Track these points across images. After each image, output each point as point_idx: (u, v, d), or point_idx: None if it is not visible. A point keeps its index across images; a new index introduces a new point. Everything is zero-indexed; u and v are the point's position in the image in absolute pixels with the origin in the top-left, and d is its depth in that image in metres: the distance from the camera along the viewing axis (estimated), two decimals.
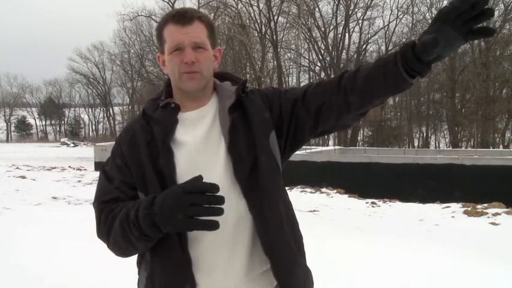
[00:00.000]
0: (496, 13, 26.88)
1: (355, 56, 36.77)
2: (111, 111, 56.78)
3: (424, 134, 36.84)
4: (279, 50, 35.79)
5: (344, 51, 36.76)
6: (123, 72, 49.78)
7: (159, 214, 1.09)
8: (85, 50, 63.32)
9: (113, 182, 1.26)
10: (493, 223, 8.17)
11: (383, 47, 36.04)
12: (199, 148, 1.24)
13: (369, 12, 35.51)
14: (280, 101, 1.31)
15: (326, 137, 29.98)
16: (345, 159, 19.69)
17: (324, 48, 37.25)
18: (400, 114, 37.84)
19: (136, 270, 1.34)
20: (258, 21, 35.38)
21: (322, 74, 36.61)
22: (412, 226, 8.13)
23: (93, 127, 62.19)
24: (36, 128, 62.79)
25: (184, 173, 1.19)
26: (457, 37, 0.98)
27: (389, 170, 17.81)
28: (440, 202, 11.11)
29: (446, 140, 36.09)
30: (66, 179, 15.09)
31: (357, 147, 29.44)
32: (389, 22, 36.18)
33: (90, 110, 60.43)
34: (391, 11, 36.83)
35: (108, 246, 1.26)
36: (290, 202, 1.34)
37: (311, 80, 35.21)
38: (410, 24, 34.42)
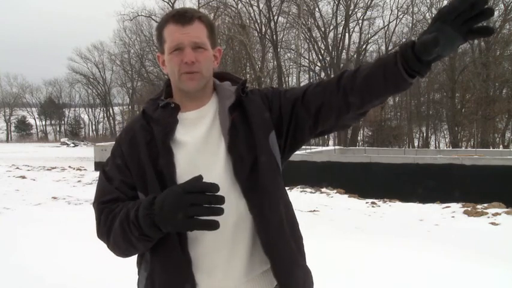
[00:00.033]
0: (496, 13, 26.93)
1: (355, 56, 36.77)
2: (111, 111, 56.79)
3: (424, 134, 36.84)
4: (279, 50, 35.80)
5: (344, 51, 36.80)
6: (123, 72, 49.85)
7: (159, 214, 1.09)
8: (85, 50, 63.45)
9: (112, 182, 1.26)
10: (493, 223, 8.17)
11: (383, 47, 36.07)
12: (199, 148, 1.24)
13: (369, 12, 35.58)
14: (280, 101, 1.31)
15: (326, 137, 29.98)
16: (345, 159, 19.69)
17: (324, 48, 37.27)
18: (400, 114, 37.85)
19: (136, 270, 1.34)
20: (258, 21, 35.40)
21: (322, 74, 36.61)
22: (412, 226, 8.13)
23: (93, 127, 62.24)
24: (36, 128, 62.80)
25: (184, 173, 1.19)
26: (457, 37, 0.98)
27: (389, 170, 17.81)
28: (440, 202, 11.11)
29: (446, 140, 36.09)
30: (66, 179, 15.09)
31: (357, 147, 29.44)
32: (390, 22, 36.25)
33: (90, 110, 60.46)
34: (391, 11, 36.91)
35: (108, 247, 1.25)
36: (290, 202, 1.34)
37: (311, 80, 35.21)
38: (410, 24, 34.47)
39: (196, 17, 1.25)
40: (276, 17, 34.70)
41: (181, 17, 1.24)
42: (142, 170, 1.23)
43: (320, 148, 25.26)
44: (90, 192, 8.66)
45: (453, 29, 0.98)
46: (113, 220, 1.20)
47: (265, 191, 1.23)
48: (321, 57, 37.66)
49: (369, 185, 16.12)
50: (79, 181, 14.57)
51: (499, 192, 12.33)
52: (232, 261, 1.22)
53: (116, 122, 56.64)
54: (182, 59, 1.22)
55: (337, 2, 35.25)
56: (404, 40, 31.68)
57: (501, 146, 30.26)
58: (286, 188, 1.41)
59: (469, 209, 9.51)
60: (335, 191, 13.41)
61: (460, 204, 10.19)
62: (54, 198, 9.83)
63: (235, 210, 1.21)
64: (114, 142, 1.37)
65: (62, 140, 51.88)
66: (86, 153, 33.46)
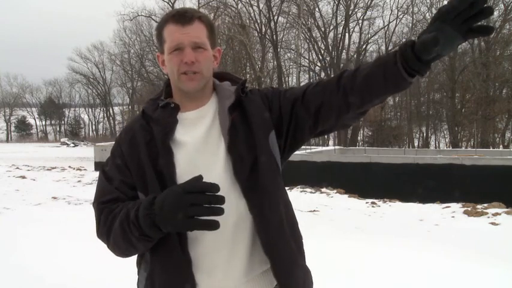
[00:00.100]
0: (496, 13, 26.94)
1: (355, 56, 36.77)
2: (111, 111, 56.79)
3: (424, 134, 36.84)
4: (279, 50, 35.81)
5: (344, 51, 36.80)
6: (123, 72, 49.85)
7: (159, 214, 1.09)
8: (85, 50, 63.44)
9: (112, 182, 1.26)
10: (493, 223, 8.17)
11: (383, 47, 36.06)
12: (199, 148, 1.24)
13: (369, 12, 35.58)
14: (280, 101, 1.31)
15: (326, 137, 30.01)
16: (345, 159, 19.69)
17: (324, 48, 37.26)
18: (400, 114, 37.85)
19: (136, 270, 1.34)
20: (258, 21, 35.40)
21: (322, 74, 36.60)
22: (412, 226, 8.13)
23: (93, 127, 62.24)
24: (36, 128, 62.80)
25: (184, 173, 1.19)
26: (456, 36, 0.99)
27: (389, 170, 17.81)
28: (440, 202, 11.11)
29: (446, 140, 36.10)
30: (66, 179, 15.09)
31: (357, 147, 29.44)
32: (390, 22, 36.25)
33: (90, 110, 60.46)
34: (391, 11, 36.89)
35: (108, 247, 1.25)
36: (290, 202, 1.34)
37: (311, 80, 35.20)
38: (410, 24, 34.47)
39: (196, 17, 1.25)
40: (276, 17, 34.73)
41: (181, 17, 1.24)
42: (142, 170, 1.23)
43: (320, 148, 25.26)
44: (90, 192, 8.65)
45: (453, 28, 0.98)
46: (113, 220, 1.20)
47: (265, 191, 1.23)
48: (321, 57, 37.68)
49: (369, 185, 16.13)
50: (79, 181, 14.57)
51: (499, 192, 12.34)
52: (232, 261, 1.22)
53: (116, 122, 56.65)
54: (182, 59, 1.22)
55: (337, 2, 35.27)
56: (404, 40, 31.62)
57: (501, 146, 30.26)
58: (286, 188, 1.41)
59: (469, 209, 9.52)
60: (335, 191, 13.42)
61: (460, 204, 10.19)
62: (54, 198, 9.83)
63: (235, 210, 1.20)
64: (114, 142, 1.37)
65: (62, 140, 51.89)
66: (86, 153, 33.46)
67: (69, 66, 54.07)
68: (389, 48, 34.26)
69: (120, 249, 1.22)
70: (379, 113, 33.23)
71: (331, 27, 36.68)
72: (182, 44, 1.22)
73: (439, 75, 33.19)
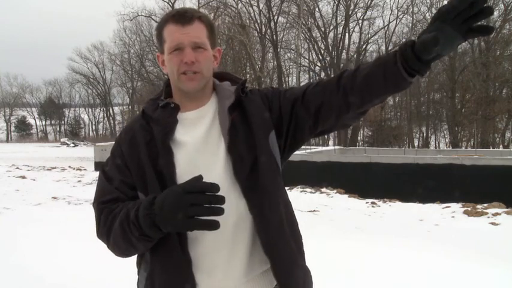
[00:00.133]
0: (496, 13, 26.93)
1: (355, 56, 36.77)
2: (111, 111, 56.79)
3: (424, 134, 36.84)
4: (279, 50, 35.81)
5: (344, 51, 36.80)
6: (123, 72, 49.85)
7: (159, 214, 1.08)
8: (85, 50, 63.45)
9: (112, 182, 1.26)
10: (493, 223, 8.17)
11: (383, 47, 36.07)
12: (199, 148, 1.24)
13: (369, 12, 35.59)
14: (280, 101, 1.31)
15: (326, 137, 30.02)
16: (345, 159, 19.69)
17: (324, 48, 37.27)
18: (400, 114, 37.85)
19: (136, 270, 1.34)
20: (258, 21, 35.40)
21: (322, 74, 36.61)
22: (412, 226, 8.13)
23: (93, 127, 62.24)
24: (36, 128, 62.80)
25: (184, 173, 1.19)
26: (456, 36, 0.99)
27: (389, 170, 17.81)
28: (440, 202, 11.11)
29: (446, 140, 36.10)
30: (66, 179, 15.09)
31: (357, 147, 29.44)
32: (390, 22, 36.25)
33: (90, 110, 60.46)
34: (391, 11, 36.89)
35: (108, 247, 1.25)
36: (290, 202, 1.34)
37: (311, 80, 35.21)
38: (410, 24, 34.47)
39: (196, 17, 1.25)
40: (276, 17, 34.73)
41: (182, 17, 1.24)
42: (142, 170, 1.23)
43: (320, 148, 25.26)
44: (90, 192, 8.65)
45: (453, 28, 0.98)
46: (113, 220, 1.20)
47: (265, 191, 1.23)
48: (321, 57, 37.68)
49: (369, 185, 16.13)
50: (79, 181, 14.57)
51: (499, 192, 12.34)
52: (232, 261, 1.22)
53: (116, 122, 56.65)
54: (182, 59, 1.22)
55: (337, 2, 35.27)
56: (404, 40, 31.61)
57: (501, 146, 30.27)
58: (286, 188, 1.41)
59: (469, 209, 9.52)
60: (335, 191, 13.42)
61: (460, 204, 10.19)
62: (54, 198, 9.83)
63: (235, 210, 1.20)
64: (114, 142, 1.37)
65: (62, 140, 51.89)
66: (86, 153, 33.46)
67: (69, 66, 54.17)
68: (389, 48, 34.25)
69: (120, 249, 1.22)
70: (379, 113, 33.24)
71: (331, 27, 36.73)
72: (182, 44, 1.22)
73: (439, 75, 33.20)
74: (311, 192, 13.09)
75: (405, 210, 10.22)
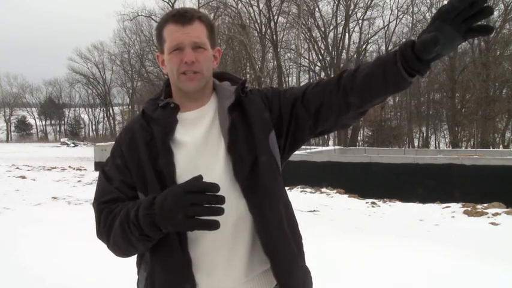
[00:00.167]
0: (496, 13, 26.92)
1: (355, 56, 36.76)
2: (111, 111, 56.79)
3: (424, 134, 36.84)
4: (279, 50, 35.80)
5: (344, 51, 36.79)
6: (123, 72, 49.84)
7: (159, 214, 1.08)
8: (85, 50, 63.45)
9: (112, 182, 1.26)
10: (493, 223, 8.17)
11: (383, 47, 36.06)
12: (199, 148, 1.24)
13: (369, 12, 35.57)
14: (280, 101, 1.31)
15: (326, 137, 30.02)
16: (345, 159, 19.69)
17: (324, 48, 37.26)
18: (400, 114, 37.84)
19: (136, 270, 1.34)
20: (258, 21, 35.39)
21: (322, 74, 36.60)
22: (412, 226, 8.13)
23: (93, 127, 62.25)
24: (36, 128, 62.80)
25: (184, 173, 1.19)
26: (456, 35, 0.99)
27: (389, 170, 17.81)
28: (440, 202, 11.12)
29: (446, 140, 36.09)
30: (66, 179, 15.09)
31: (357, 147, 29.44)
32: (390, 22, 36.24)
33: (90, 110, 60.46)
34: (391, 11, 36.89)
35: (108, 247, 1.25)
36: (290, 202, 1.34)
37: (311, 80, 35.21)
38: (410, 24, 34.46)
39: (196, 17, 1.25)
40: (276, 17, 34.72)
41: (182, 16, 1.24)
42: (142, 170, 1.23)
43: (320, 148, 25.26)
44: (90, 192, 8.64)
45: (452, 28, 0.98)
46: (113, 220, 1.20)
47: (265, 191, 1.23)
48: (321, 57, 37.67)
49: (369, 185, 16.13)
50: (79, 181, 14.56)
51: (499, 192, 12.34)
52: (232, 261, 1.22)
53: (116, 122, 56.65)
54: (182, 58, 1.22)
55: (337, 2, 35.26)
56: (404, 40, 31.59)
57: (501, 146, 30.26)
58: (286, 188, 1.41)
59: (469, 209, 9.52)
60: (335, 191, 13.42)
61: (460, 204, 10.19)
62: (54, 198, 9.83)
63: (235, 210, 1.21)
64: (114, 142, 1.37)
65: (62, 140, 51.88)
66: (86, 153, 33.46)
67: (69, 66, 54.16)
68: (389, 48, 34.24)
69: (120, 249, 1.22)
70: (379, 113, 33.24)
71: (331, 27, 36.71)
72: (182, 44, 1.22)
73: (439, 75, 33.20)
74: (311, 192, 13.09)
75: (405, 210, 10.22)
